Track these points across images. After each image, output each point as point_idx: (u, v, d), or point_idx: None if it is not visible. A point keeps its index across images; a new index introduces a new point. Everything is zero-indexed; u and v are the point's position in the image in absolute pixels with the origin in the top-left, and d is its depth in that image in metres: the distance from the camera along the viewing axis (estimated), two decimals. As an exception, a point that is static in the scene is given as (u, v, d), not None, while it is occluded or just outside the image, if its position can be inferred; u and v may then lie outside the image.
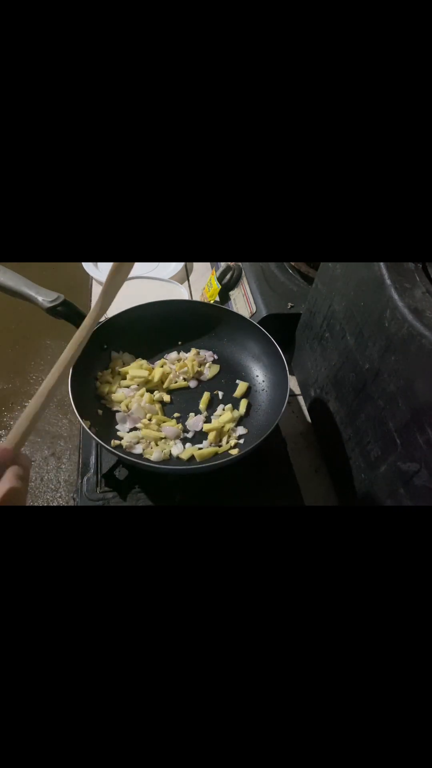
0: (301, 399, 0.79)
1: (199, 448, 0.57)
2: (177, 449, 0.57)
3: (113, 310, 0.70)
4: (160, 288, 0.96)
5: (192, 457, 0.56)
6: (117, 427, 0.58)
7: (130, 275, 0.94)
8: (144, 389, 0.61)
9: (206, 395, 0.62)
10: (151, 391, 0.62)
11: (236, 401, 0.63)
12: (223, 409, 0.61)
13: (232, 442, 0.58)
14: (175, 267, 1.00)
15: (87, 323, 0.51)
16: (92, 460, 0.62)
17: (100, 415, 0.59)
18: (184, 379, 0.65)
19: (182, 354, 0.68)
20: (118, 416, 0.59)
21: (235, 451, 0.57)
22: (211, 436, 0.58)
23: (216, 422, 0.59)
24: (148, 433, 0.57)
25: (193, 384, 0.65)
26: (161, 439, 0.57)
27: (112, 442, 0.55)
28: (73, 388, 0.54)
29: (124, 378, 0.63)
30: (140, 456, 0.56)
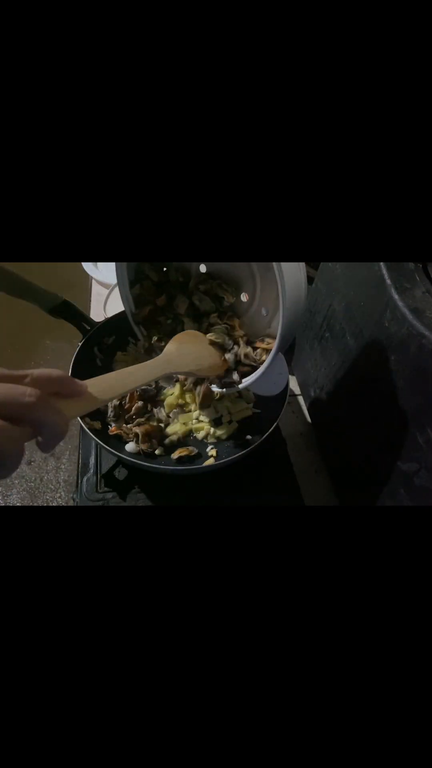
0: (301, 399, 0.79)
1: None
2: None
3: (113, 310, 0.70)
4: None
5: (192, 458, 0.56)
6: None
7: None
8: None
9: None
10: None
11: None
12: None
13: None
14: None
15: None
16: (92, 460, 0.62)
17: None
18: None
19: None
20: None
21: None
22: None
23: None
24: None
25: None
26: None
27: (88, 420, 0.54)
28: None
29: None
30: (143, 456, 0.56)
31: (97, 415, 0.59)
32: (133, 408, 0.58)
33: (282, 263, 0.37)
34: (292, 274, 0.38)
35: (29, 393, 0.23)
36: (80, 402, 0.28)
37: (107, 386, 0.31)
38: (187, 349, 0.45)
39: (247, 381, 0.50)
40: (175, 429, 0.59)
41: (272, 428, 0.53)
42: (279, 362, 0.44)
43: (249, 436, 0.60)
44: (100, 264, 1.01)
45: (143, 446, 0.55)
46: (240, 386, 0.50)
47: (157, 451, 0.57)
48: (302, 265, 0.40)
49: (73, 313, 0.69)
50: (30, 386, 0.23)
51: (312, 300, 0.66)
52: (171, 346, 0.44)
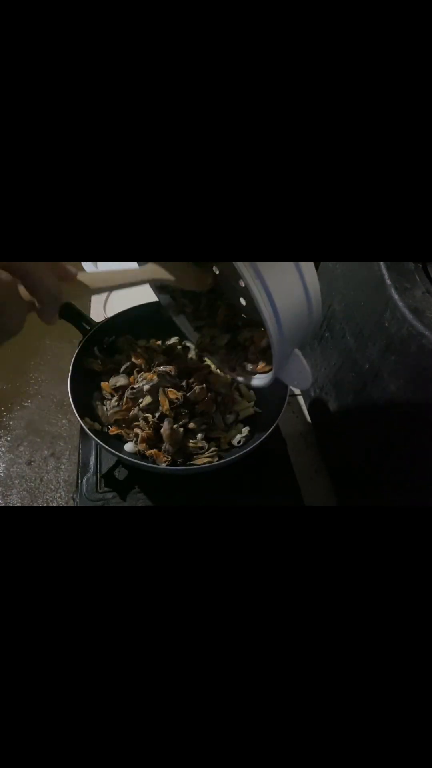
0: (301, 399, 0.79)
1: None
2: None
3: (113, 310, 0.70)
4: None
5: (190, 455, 0.56)
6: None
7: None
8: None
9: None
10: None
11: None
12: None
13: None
14: (175, 267, 1.00)
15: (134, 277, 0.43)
16: (92, 460, 0.62)
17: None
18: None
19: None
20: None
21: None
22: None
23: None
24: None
25: None
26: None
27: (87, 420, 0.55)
28: (72, 388, 0.54)
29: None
30: (140, 456, 0.56)
31: (98, 416, 0.59)
32: (129, 415, 0.58)
33: (268, 279, 0.30)
34: (283, 289, 0.32)
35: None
36: (72, 285, 0.32)
37: (97, 278, 0.35)
38: (170, 264, 0.48)
39: (256, 381, 0.49)
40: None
41: (272, 428, 0.53)
42: (295, 361, 0.41)
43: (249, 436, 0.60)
44: (100, 264, 1.01)
45: (141, 446, 0.55)
46: (253, 383, 0.49)
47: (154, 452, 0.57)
48: (308, 269, 0.33)
49: (73, 313, 0.69)
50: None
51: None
52: (151, 264, 0.48)
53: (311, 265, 0.34)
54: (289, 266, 0.33)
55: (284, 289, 0.33)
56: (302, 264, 0.34)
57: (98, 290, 0.35)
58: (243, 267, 0.31)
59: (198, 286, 0.49)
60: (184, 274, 0.48)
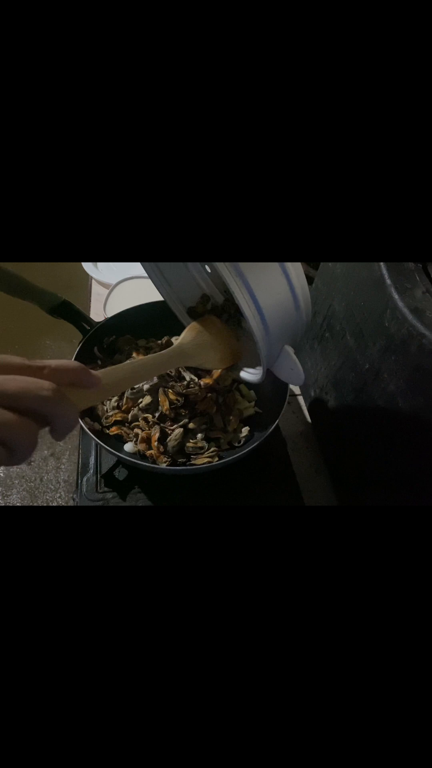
0: (301, 399, 0.79)
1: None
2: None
3: (113, 310, 0.70)
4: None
5: (191, 453, 0.56)
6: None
7: (130, 275, 0.94)
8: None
9: None
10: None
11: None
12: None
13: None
14: (175, 267, 1.00)
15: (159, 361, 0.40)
16: (92, 460, 0.62)
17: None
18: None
19: None
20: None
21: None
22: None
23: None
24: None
25: None
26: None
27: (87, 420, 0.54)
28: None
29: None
30: (140, 456, 0.56)
31: (98, 416, 0.59)
32: (129, 416, 0.58)
33: (253, 286, 0.30)
34: (267, 287, 0.32)
35: (47, 387, 0.23)
36: (93, 393, 0.29)
37: (120, 378, 0.32)
38: (202, 339, 0.43)
39: (249, 376, 0.49)
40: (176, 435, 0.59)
41: (272, 428, 0.53)
42: (287, 358, 0.40)
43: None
44: (100, 264, 1.01)
45: (141, 446, 0.55)
46: (247, 378, 0.50)
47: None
48: (293, 265, 0.33)
49: (73, 313, 0.69)
50: (48, 378, 0.24)
51: (312, 300, 0.66)
52: (187, 335, 0.43)
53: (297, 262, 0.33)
54: (272, 263, 0.32)
55: (268, 286, 0.33)
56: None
57: (120, 392, 0.32)
58: (223, 267, 0.30)
59: (225, 364, 0.47)
60: (212, 358, 0.43)
